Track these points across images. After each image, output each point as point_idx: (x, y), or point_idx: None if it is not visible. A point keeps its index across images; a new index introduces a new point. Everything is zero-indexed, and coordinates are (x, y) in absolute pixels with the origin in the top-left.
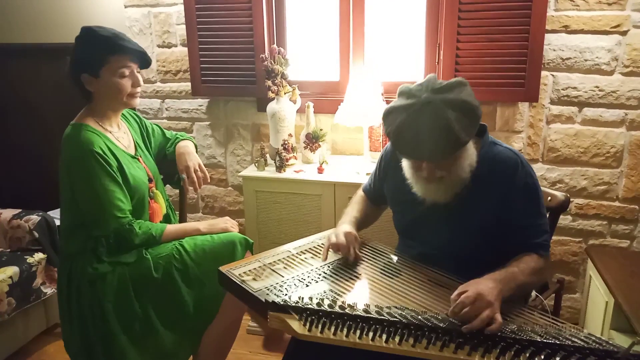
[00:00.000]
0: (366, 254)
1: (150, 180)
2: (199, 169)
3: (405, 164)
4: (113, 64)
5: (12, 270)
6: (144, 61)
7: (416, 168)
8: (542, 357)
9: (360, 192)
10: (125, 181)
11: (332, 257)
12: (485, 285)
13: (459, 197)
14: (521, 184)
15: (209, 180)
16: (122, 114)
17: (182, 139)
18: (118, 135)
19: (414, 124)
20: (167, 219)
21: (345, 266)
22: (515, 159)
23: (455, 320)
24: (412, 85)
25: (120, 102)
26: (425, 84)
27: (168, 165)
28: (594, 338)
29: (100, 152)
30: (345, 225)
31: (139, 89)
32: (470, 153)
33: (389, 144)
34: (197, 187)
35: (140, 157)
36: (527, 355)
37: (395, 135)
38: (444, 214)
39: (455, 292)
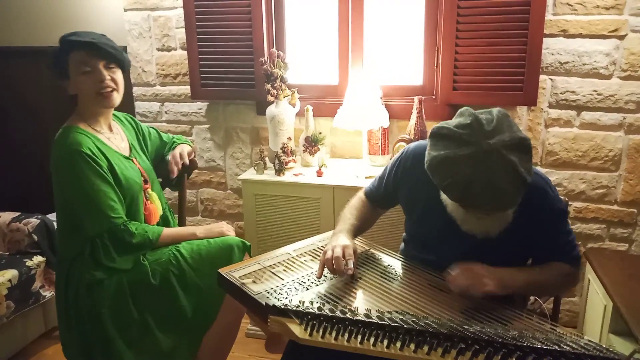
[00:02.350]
0: (367, 259)
1: (145, 182)
2: (184, 155)
3: (452, 205)
4: (73, 62)
5: (11, 273)
6: (104, 54)
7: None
8: None
9: (361, 196)
10: (117, 181)
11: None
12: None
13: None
14: (552, 210)
15: (186, 162)
16: (117, 117)
17: (180, 143)
18: (110, 136)
19: (484, 178)
20: (165, 221)
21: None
22: (544, 186)
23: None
24: (454, 129)
25: (94, 103)
26: (474, 126)
27: (166, 167)
28: (594, 345)
29: (89, 152)
30: (343, 238)
31: (105, 84)
32: None
33: (409, 148)
34: (177, 166)
35: (135, 158)
36: None
37: (462, 191)
38: (462, 230)
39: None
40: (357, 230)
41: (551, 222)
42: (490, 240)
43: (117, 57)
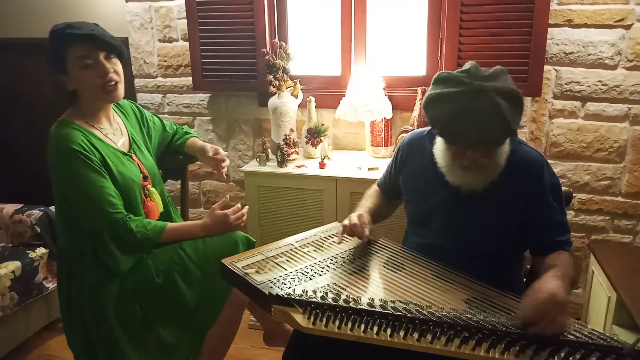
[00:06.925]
0: (370, 249)
1: (145, 178)
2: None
3: (442, 151)
4: (72, 56)
5: (14, 265)
6: (105, 45)
7: (457, 156)
8: (547, 352)
9: (374, 187)
10: (111, 177)
11: (337, 250)
12: (553, 285)
13: (479, 190)
14: (548, 184)
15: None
16: (121, 106)
17: (191, 137)
18: (107, 132)
19: (470, 112)
20: (167, 217)
21: (349, 259)
22: (542, 160)
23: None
24: (453, 73)
25: (98, 98)
26: (471, 71)
27: (172, 160)
28: (597, 334)
29: (80, 148)
30: (358, 211)
31: (109, 78)
32: (508, 143)
33: (407, 134)
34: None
35: (135, 154)
36: (532, 350)
37: (447, 123)
38: (461, 206)
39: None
40: (373, 213)
41: (550, 195)
42: (488, 215)
43: (117, 48)
